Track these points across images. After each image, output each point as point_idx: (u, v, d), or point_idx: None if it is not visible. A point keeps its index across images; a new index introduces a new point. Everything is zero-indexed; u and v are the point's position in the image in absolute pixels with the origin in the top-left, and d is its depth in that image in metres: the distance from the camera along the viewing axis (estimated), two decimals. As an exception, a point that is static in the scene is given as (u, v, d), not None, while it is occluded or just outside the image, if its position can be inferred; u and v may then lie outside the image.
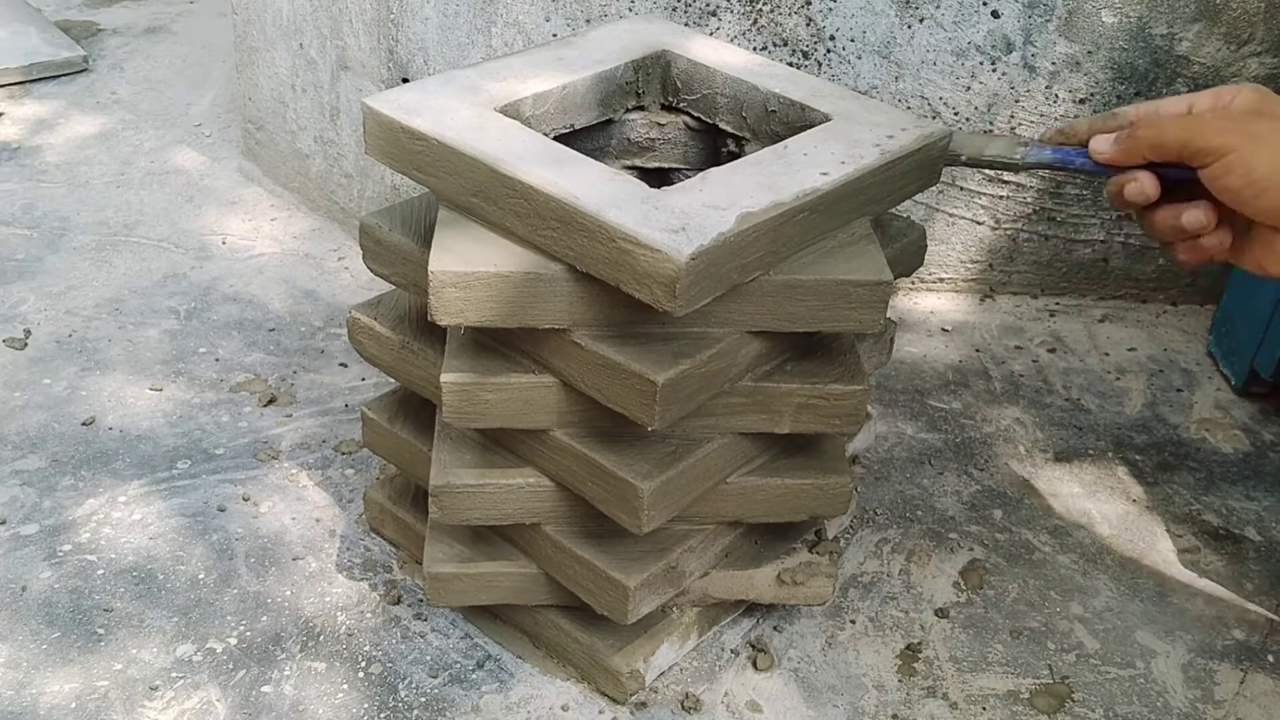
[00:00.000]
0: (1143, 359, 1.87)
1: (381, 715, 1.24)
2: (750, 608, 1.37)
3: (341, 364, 1.76)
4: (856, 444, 1.50)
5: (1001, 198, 1.90)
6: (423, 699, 1.25)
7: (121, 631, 1.32)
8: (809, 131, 1.16)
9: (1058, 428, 1.71)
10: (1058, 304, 1.98)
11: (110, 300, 1.88)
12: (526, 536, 1.23)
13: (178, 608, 1.35)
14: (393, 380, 1.37)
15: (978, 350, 1.87)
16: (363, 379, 1.73)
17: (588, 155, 1.09)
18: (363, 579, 1.40)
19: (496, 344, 1.13)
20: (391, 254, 1.21)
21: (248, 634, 1.32)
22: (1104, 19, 1.76)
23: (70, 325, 1.82)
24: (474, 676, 1.28)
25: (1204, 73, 1.79)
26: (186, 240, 2.06)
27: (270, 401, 1.67)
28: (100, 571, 1.39)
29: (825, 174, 1.07)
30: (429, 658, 1.30)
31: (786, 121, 1.23)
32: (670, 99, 1.32)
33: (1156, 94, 1.81)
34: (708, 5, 1.77)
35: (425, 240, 1.14)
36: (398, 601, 1.37)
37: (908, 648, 1.35)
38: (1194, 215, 0.91)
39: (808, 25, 1.77)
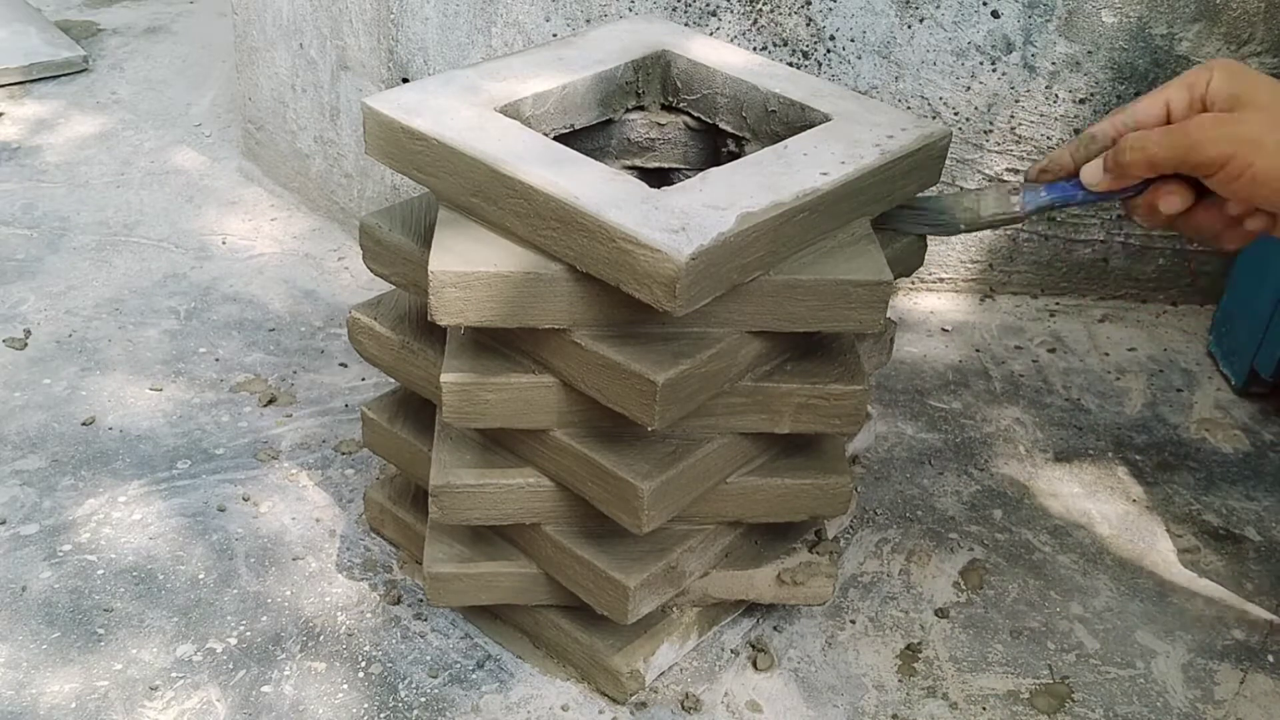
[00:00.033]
0: (1143, 359, 1.87)
1: (381, 715, 1.24)
2: (750, 608, 1.37)
3: (341, 364, 1.76)
4: (856, 444, 1.50)
5: (1001, 198, 1.90)
6: (423, 699, 1.25)
7: (121, 631, 1.32)
8: (809, 131, 1.16)
9: (1058, 428, 1.71)
10: (1058, 304, 1.98)
11: (110, 300, 1.88)
12: (526, 536, 1.23)
13: (178, 608, 1.35)
14: (393, 380, 1.37)
15: (978, 350, 1.87)
16: (363, 379, 1.73)
17: (588, 155, 1.09)
18: (363, 579, 1.40)
19: (496, 344, 1.13)
20: (391, 254, 1.21)
21: (248, 634, 1.32)
22: (1104, 19, 1.76)
23: (70, 325, 1.82)
24: (474, 676, 1.28)
25: (1204, 73, 1.79)
26: (186, 240, 2.06)
27: (270, 401, 1.67)
28: (100, 571, 1.39)
29: (825, 174, 1.07)
30: (429, 658, 1.30)
31: (786, 121, 1.23)
32: (670, 99, 1.32)
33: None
34: (708, 5, 1.77)
35: (425, 240, 1.14)
36: (398, 601, 1.37)
37: (908, 648, 1.35)
38: (1236, 206, 0.89)
39: (808, 25, 1.77)
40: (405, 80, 1.90)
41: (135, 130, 2.41)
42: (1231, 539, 1.53)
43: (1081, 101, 1.82)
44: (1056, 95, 1.81)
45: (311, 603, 1.36)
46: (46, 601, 1.35)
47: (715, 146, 1.32)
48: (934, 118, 1.83)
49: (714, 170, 1.07)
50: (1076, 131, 1.82)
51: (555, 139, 1.17)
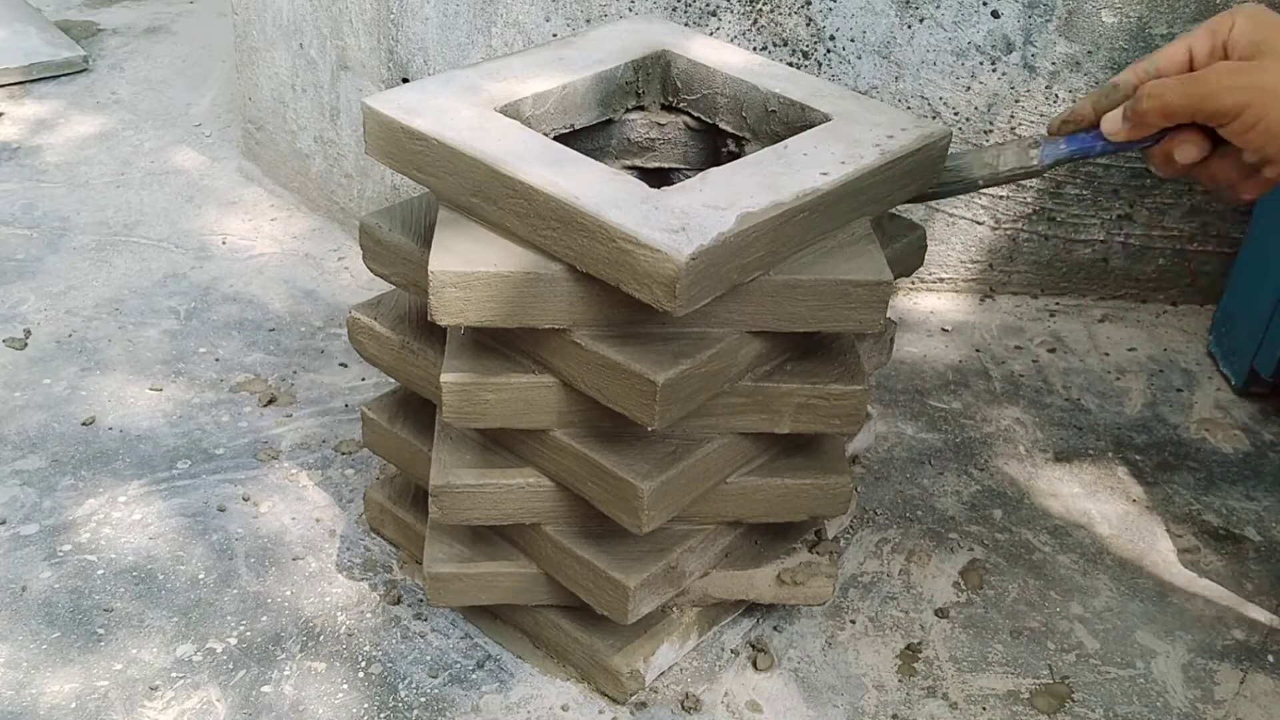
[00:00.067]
0: (1143, 359, 1.87)
1: (381, 715, 1.24)
2: (750, 608, 1.37)
3: (341, 364, 1.76)
4: (856, 444, 1.50)
5: (1002, 198, 1.90)
6: (423, 699, 1.25)
7: (121, 631, 1.32)
8: (809, 131, 1.16)
9: (1058, 428, 1.71)
10: (1058, 304, 1.98)
11: (110, 300, 1.88)
12: (526, 536, 1.23)
13: (178, 608, 1.35)
14: (393, 380, 1.37)
15: (978, 350, 1.87)
16: (363, 379, 1.73)
17: (588, 155, 1.09)
18: (363, 579, 1.40)
19: (496, 344, 1.13)
20: (391, 254, 1.21)
21: (248, 634, 1.32)
22: (1104, 19, 1.76)
23: (70, 325, 1.82)
24: (474, 676, 1.28)
25: (1204, 73, 1.79)
26: (186, 240, 2.06)
27: (270, 401, 1.67)
28: (100, 571, 1.39)
29: (825, 174, 1.07)
30: (429, 658, 1.30)
31: (786, 121, 1.23)
32: (670, 99, 1.32)
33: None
34: (708, 5, 1.77)
35: (425, 240, 1.14)
36: (398, 601, 1.37)
37: (908, 648, 1.35)
38: (1251, 155, 0.87)
39: (808, 25, 1.77)
40: (405, 80, 1.90)
41: (135, 130, 2.41)
42: (1231, 539, 1.53)
43: (1081, 101, 1.82)
44: (1056, 95, 1.81)
45: (311, 603, 1.36)
46: (46, 601, 1.35)
47: (715, 146, 1.32)
48: (934, 118, 1.83)
49: (714, 170, 1.07)
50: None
51: (555, 139, 1.17)
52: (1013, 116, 1.83)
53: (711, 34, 1.77)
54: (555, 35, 1.80)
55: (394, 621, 1.34)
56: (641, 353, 1.03)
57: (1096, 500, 1.58)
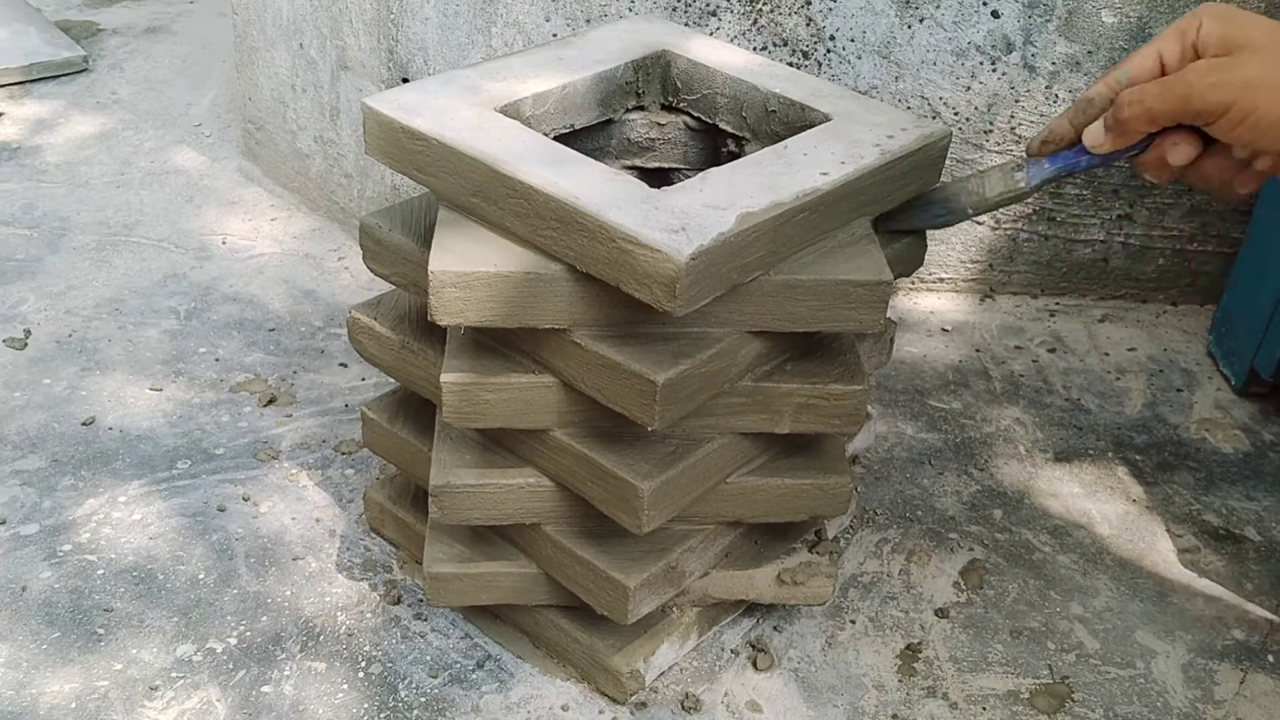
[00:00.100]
0: (1143, 359, 1.87)
1: (381, 715, 1.24)
2: (750, 608, 1.37)
3: (341, 364, 1.76)
4: (856, 444, 1.50)
5: (1001, 198, 1.90)
6: (423, 699, 1.25)
7: (121, 631, 1.32)
8: (809, 131, 1.16)
9: (1058, 428, 1.71)
10: (1058, 304, 1.98)
11: (110, 300, 1.88)
12: (526, 536, 1.23)
13: (178, 608, 1.35)
14: (393, 380, 1.37)
15: (978, 350, 1.87)
16: (363, 379, 1.73)
17: (588, 155, 1.09)
18: (363, 579, 1.40)
19: (496, 344, 1.13)
20: (391, 254, 1.21)
21: (248, 634, 1.32)
22: (1104, 19, 1.76)
23: (70, 325, 1.82)
24: (474, 676, 1.28)
25: (1204, 73, 1.79)
26: (186, 240, 2.06)
27: (270, 401, 1.67)
28: (100, 571, 1.39)
29: (825, 174, 1.07)
30: (429, 658, 1.30)
31: (786, 121, 1.23)
32: (670, 99, 1.32)
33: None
34: (708, 5, 1.77)
35: (425, 240, 1.14)
36: (398, 601, 1.37)
37: (908, 648, 1.35)
38: (1241, 150, 0.87)
39: (808, 25, 1.77)
40: (405, 80, 1.90)
41: (135, 130, 2.41)
42: (1231, 539, 1.53)
43: (1081, 101, 1.81)
44: (1056, 95, 1.81)
45: (311, 603, 1.36)
46: (46, 601, 1.35)
47: (715, 146, 1.32)
48: (934, 118, 1.83)
49: (714, 170, 1.07)
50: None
51: (555, 139, 1.17)
52: (1013, 116, 1.83)
53: (711, 34, 1.77)
54: (555, 35, 1.80)
55: (394, 621, 1.34)
56: (641, 353, 1.03)
57: (1096, 500, 1.58)
